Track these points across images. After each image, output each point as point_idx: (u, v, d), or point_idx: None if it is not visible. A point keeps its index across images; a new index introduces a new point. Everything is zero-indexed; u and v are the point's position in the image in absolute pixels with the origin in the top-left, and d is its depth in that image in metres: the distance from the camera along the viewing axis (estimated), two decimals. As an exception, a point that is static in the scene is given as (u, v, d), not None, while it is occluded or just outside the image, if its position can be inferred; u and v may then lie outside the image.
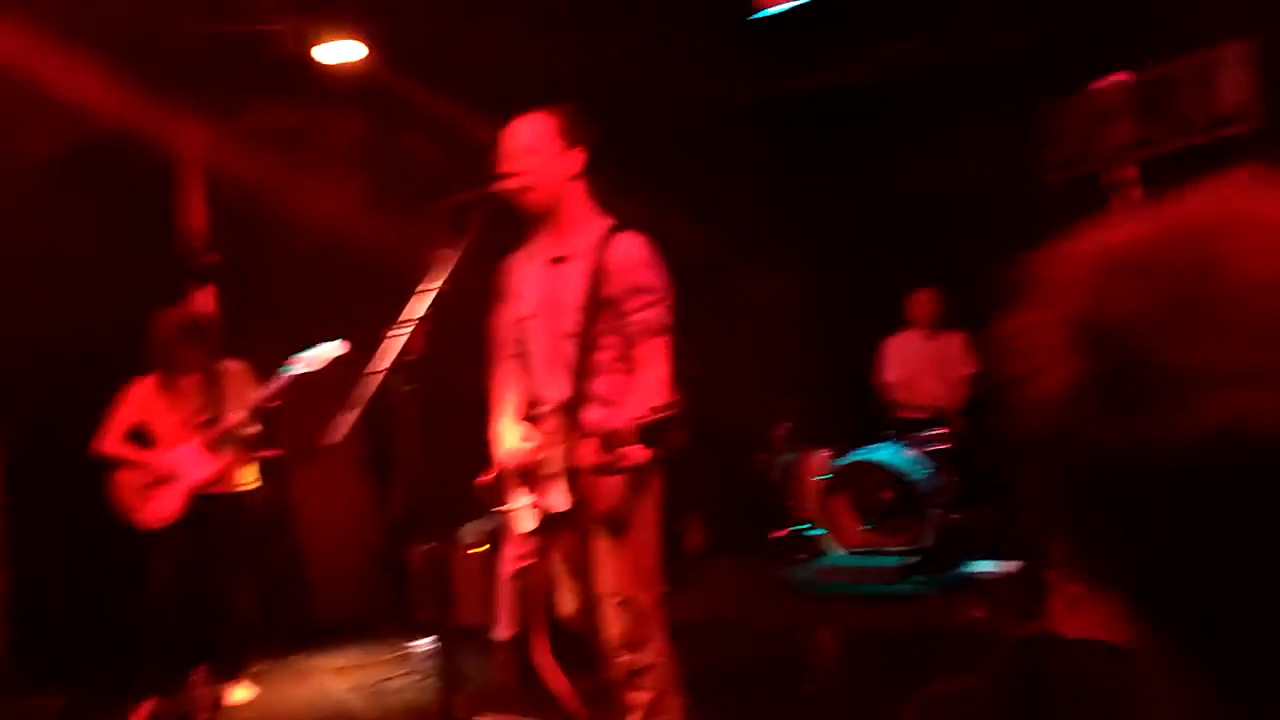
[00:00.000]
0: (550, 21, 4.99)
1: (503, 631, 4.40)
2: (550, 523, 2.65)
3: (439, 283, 2.49)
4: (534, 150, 2.66)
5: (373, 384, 2.45)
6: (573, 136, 2.69)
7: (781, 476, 6.54)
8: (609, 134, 2.78)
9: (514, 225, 2.83)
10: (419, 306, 2.52)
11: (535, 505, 2.66)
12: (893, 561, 5.60)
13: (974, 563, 5.71)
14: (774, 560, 6.24)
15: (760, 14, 4.50)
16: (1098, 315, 0.53)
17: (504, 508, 2.76)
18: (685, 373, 2.66)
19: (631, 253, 2.65)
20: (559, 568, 2.81)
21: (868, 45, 5.93)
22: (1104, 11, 5.32)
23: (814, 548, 6.11)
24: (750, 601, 5.62)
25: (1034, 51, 5.81)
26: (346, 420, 2.36)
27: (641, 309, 2.62)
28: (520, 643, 4.35)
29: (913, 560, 5.60)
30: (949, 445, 6.04)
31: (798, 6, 4.54)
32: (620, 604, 2.64)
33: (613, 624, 2.66)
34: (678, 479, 2.76)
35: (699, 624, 4.61)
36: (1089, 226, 0.59)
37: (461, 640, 4.56)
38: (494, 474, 2.79)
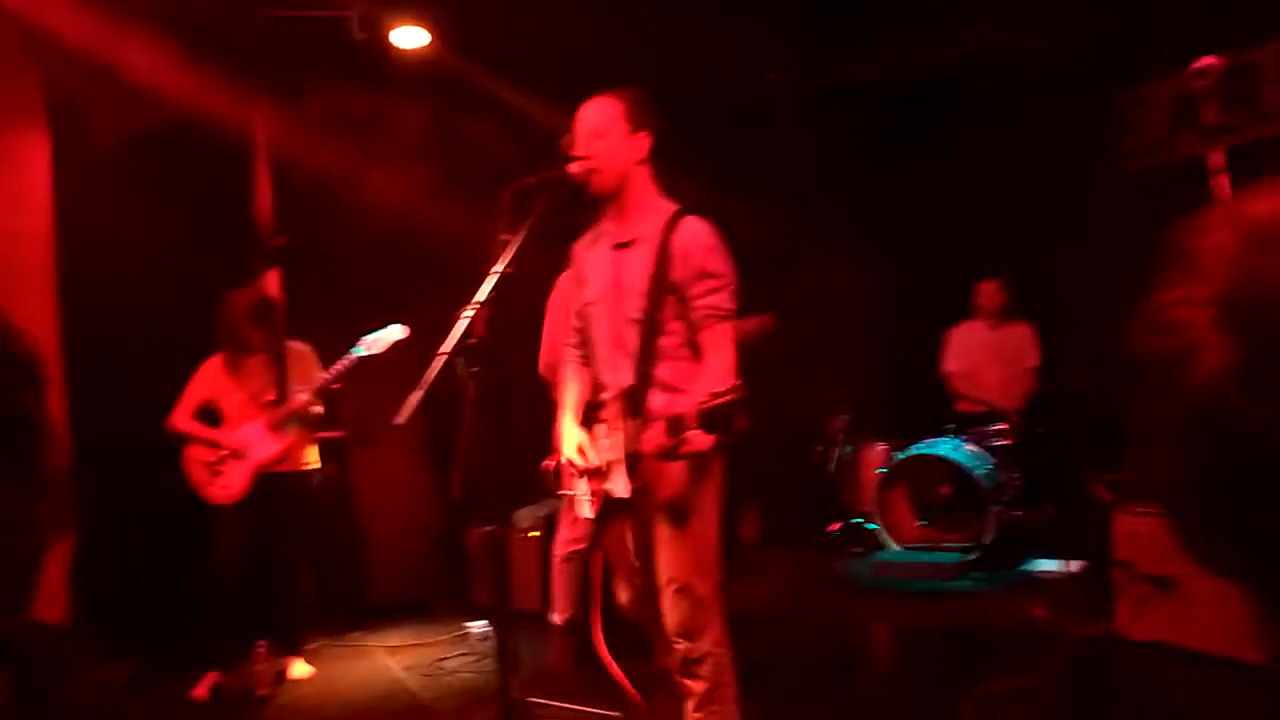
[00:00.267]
0: (616, 5, 4.96)
1: (558, 616, 4.43)
2: (610, 509, 2.65)
3: (501, 266, 2.50)
4: (600, 134, 2.66)
5: (436, 366, 2.46)
6: (639, 120, 2.67)
7: (839, 468, 6.47)
8: (674, 118, 2.76)
9: (582, 209, 2.83)
10: (482, 290, 2.52)
11: (595, 491, 2.66)
12: (951, 558, 5.52)
13: (1035, 561, 5.61)
14: (830, 553, 6.19)
15: None
16: (1245, 293, 0.50)
17: (565, 493, 2.76)
18: (746, 361, 2.63)
19: (697, 237, 2.63)
20: (617, 554, 2.81)
21: (936, 32, 5.82)
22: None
23: (871, 542, 6.04)
24: (805, 594, 5.58)
25: (1108, 37, 5.66)
26: (412, 402, 2.37)
27: (706, 294, 2.60)
28: (575, 627, 4.38)
29: (971, 557, 5.51)
30: (1010, 440, 5.93)
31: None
32: (678, 591, 2.63)
33: (670, 611, 2.65)
34: (735, 468, 2.74)
35: (753, 615, 4.58)
36: (1232, 198, 0.56)
37: (517, 623, 4.61)
38: (557, 459, 2.80)
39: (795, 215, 6.47)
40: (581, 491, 2.70)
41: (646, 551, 2.70)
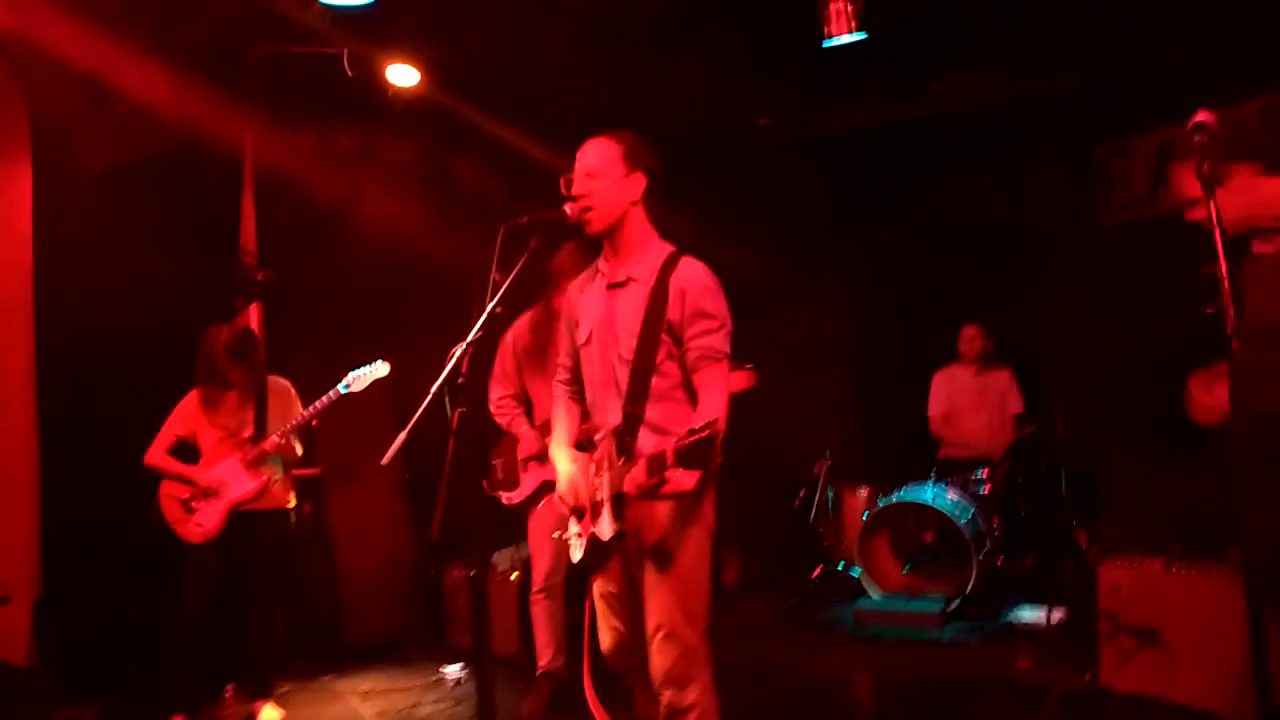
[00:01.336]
0: (608, 47, 4.99)
1: (539, 660, 4.35)
2: (597, 551, 2.60)
3: (490, 306, 2.48)
4: (596, 173, 2.66)
5: (420, 406, 2.43)
6: (635, 161, 2.68)
7: (821, 513, 6.43)
8: (664, 159, 2.77)
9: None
10: (470, 329, 2.50)
11: (583, 533, 2.61)
12: (933, 606, 5.47)
13: (1017, 610, 5.57)
14: (811, 600, 6.13)
15: (830, 42, 4.51)
16: None
17: (556, 534, 2.71)
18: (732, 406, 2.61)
19: (695, 278, 2.62)
20: (603, 599, 2.75)
21: (923, 81, 5.90)
22: (1165, 53, 5.25)
23: (853, 588, 5.99)
24: (785, 642, 5.51)
25: (1092, 91, 5.75)
26: (398, 443, 2.33)
27: (702, 335, 2.58)
28: (555, 675, 4.29)
29: (953, 605, 5.47)
30: (992, 487, 5.92)
31: (859, 41, 4.53)
32: (665, 638, 2.58)
33: (657, 659, 2.59)
34: (716, 512, 2.71)
35: (732, 663, 4.51)
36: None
37: (494, 668, 4.51)
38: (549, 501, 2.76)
39: (781, 258, 6.50)
40: (571, 533, 2.65)
41: (633, 596, 2.65)
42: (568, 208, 2.64)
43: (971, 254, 6.20)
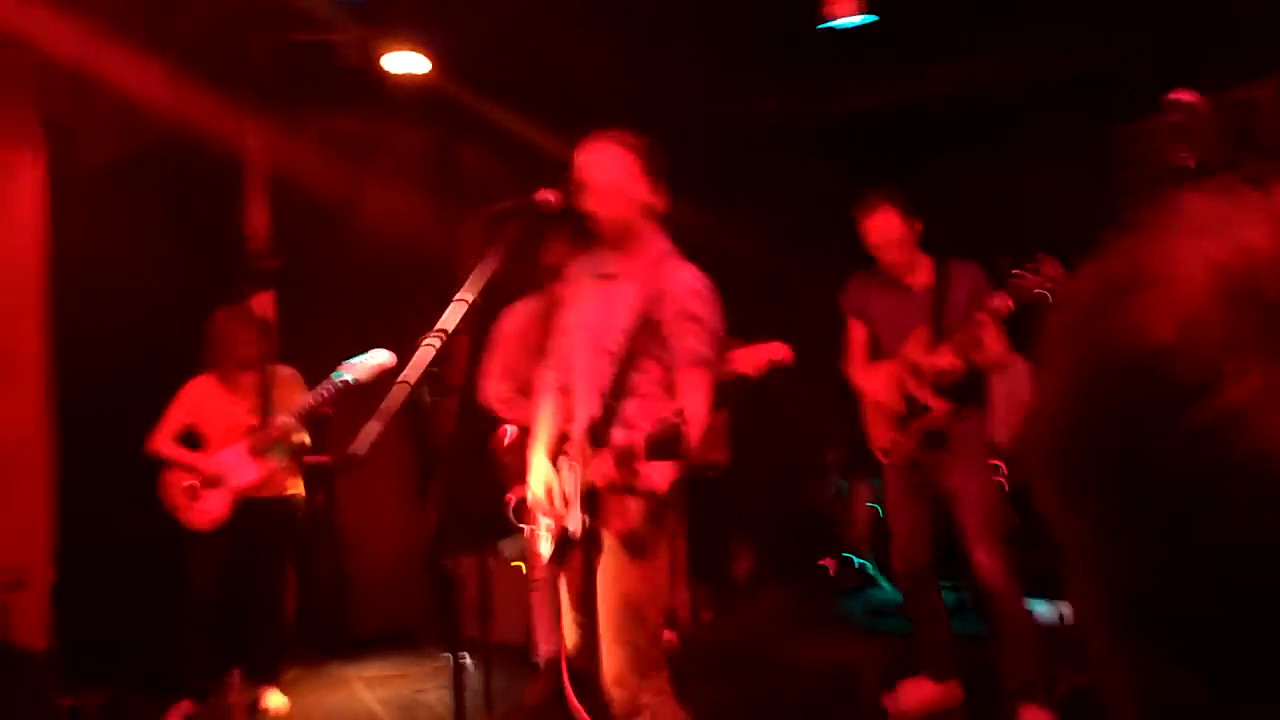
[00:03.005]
0: (612, 34, 4.94)
1: (540, 650, 4.34)
2: (565, 545, 2.58)
3: (470, 294, 2.45)
4: (617, 188, 2.64)
5: (402, 394, 2.39)
6: (655, 173, 2.68)
7: (833, 503, 6.37)
8: (671, 146, 2.74)
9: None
10: (454, 317, 2.47)
11: (552, 528, 2.59)
12: (946, 599, 5.39)
13: (1032, 604, 5.47)
14: (822, 590, 6.07)
15: (833, 24, 4.43)
16: None
17: (529, 527, 2.70)
18: (747, 392, 2.59)
19: (686, 281, 2.61)
20: (565, 596, 2.73)
21: (930, 65, 5.80)
22: (1171, 35, 5.13)
23: (863, 579, 5.93)
24: (796, 632, 5.46)
25: (1099, 74, 5.64)
26: (371, 432, 2.31)
27: (687, 336, 2.56)
28: (557, 663, 4.28)
29: (967, 597, 5.39)
30: (1004, 478, 5.81)
31: (867, 24, 4.45)
32: (615, 640, 2.55)
33: (607, 659, 2.57)
34: (728, 503, 2.68)
35: (743, 653, 4.48)
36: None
37: (498, 656, 4.52)
38: (522, 492, 2.74)
39: (789, 244, 6.43)
40: (543, 527, 2.63)
41: (591, 592, 2.62)
42: (548, 193, 2.60)
43: (980, 238, 6.09)
